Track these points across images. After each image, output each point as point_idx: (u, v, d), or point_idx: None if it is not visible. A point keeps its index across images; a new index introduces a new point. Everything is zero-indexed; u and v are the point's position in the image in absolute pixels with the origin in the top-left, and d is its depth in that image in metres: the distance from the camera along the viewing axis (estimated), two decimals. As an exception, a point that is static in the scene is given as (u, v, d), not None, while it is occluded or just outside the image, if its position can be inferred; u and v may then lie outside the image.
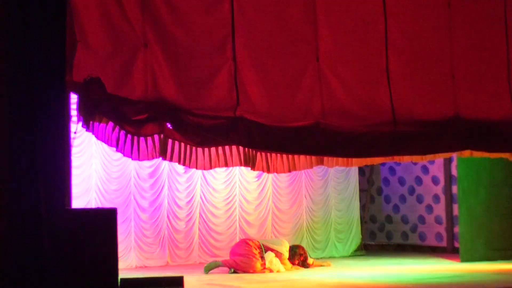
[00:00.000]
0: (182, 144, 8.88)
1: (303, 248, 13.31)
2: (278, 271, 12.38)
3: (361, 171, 16.89)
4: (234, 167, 14.45)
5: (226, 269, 12.34)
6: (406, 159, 11.22)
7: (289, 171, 10.24)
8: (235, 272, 12.21)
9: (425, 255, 15.30)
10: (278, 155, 9.90)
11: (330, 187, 15.71)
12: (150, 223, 13.48)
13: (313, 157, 10.35)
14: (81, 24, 7.93)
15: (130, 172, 13.31)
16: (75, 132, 8.60)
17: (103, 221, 7.92)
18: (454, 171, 15.19)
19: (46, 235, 7.55)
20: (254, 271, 12.17)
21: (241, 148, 9.40)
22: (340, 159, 10.65)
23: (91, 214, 8.22)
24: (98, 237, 7.83)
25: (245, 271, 12.17)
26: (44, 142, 7.75)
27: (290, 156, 10.03)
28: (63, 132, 7.99)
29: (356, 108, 9.69)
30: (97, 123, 8.24)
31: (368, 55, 9.85)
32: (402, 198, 16.67)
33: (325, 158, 10.52)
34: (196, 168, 9.21)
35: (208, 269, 12.34)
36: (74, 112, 8.48)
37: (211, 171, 14.23)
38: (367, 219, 16.92)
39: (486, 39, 10.69)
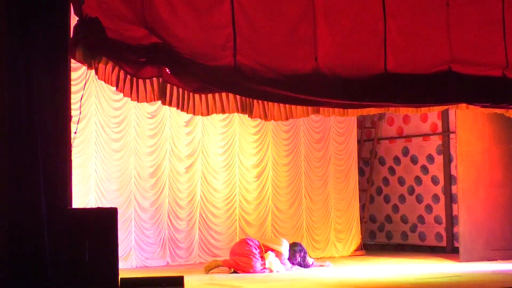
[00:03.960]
0: (180, 90, 8.91)
1: (301, 245, 13.28)
2: (278, 271, 12.39)
3: (361, 171, 16.89)
4: (234, 168, 14.53)
5: (226, 269, 12.34)
6: (402, 110, 11.23)
7: (286, 119, 10.28)
8: (235, 272, 12.21)
9: (425, 255, 15.30)
10: (275, 103, 9.95)
11: (329, 187, 15.70)
12: (151, 223, 13.48)
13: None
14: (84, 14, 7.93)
15: (130, 171, 13.30)
16: (75, 132, 8.61)
17: (103, 221, 7.91)
18: (454, 171, 15.19)
19: (47, 235, 7.55)
20: (254, 271, 12.18)
21: (238, 95, 9.47)
22: (336, 109, 10.69)
23: (91, 214, 8.20)
24: (98, 237, 7.82)
25: (245, 271, 12.17)
26: (44, 142, 7.74)
27: (287, 104, 10.08)
28: (63, 132, 7.98)
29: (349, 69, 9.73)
30: (97, 62, 8.21)
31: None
32: (402, 198, 16.66)
33: (321, 108, 10.54)
34: (194, 114, 9.26)
35: (208, 269, 12.35)
36: (74, 112, 8.47)
37: (211, 171, 14.25)
38: (367, 219, 16.92)
39: None
